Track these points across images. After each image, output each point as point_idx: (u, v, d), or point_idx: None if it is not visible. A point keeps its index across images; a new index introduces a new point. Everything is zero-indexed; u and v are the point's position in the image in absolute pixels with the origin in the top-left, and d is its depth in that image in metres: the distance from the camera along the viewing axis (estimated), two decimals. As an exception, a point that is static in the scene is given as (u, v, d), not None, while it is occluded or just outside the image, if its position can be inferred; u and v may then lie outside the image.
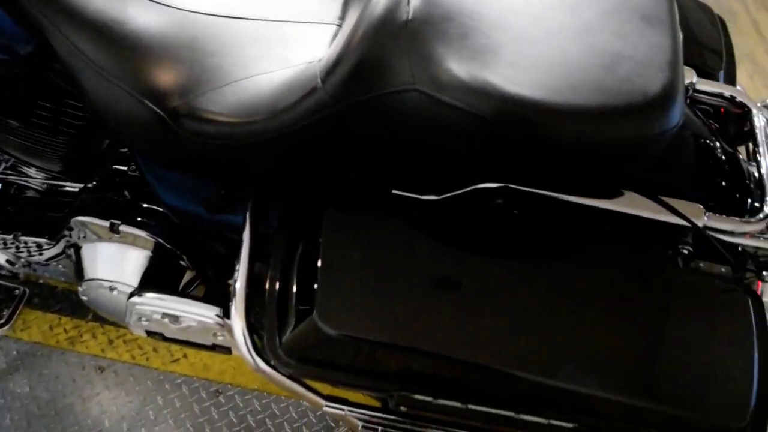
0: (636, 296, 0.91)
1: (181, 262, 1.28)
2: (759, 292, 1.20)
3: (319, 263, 0.90)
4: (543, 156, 0.85)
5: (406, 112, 0.85)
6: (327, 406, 1.03)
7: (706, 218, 0.94)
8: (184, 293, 1.28)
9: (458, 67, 0.80)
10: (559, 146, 0.82)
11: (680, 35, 0.87)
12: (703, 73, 1.18)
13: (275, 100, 0.93)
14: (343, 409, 1.03)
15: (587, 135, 0.80)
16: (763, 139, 1.04)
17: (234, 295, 1.01)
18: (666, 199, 0.94)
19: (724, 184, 1.04)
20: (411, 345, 0.87)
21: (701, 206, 0.94)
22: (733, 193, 1.04)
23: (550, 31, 0.84)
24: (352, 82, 0.86)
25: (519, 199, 0.96)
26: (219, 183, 1.09)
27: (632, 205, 0.94)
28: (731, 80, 1.21)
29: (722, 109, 1.19)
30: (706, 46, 1.21)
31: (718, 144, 1.06)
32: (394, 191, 0.99)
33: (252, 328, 1.00)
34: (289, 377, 1.00)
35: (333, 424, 1.57)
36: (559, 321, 0.89)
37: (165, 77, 0.97)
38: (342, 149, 0.95)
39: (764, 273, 0.99)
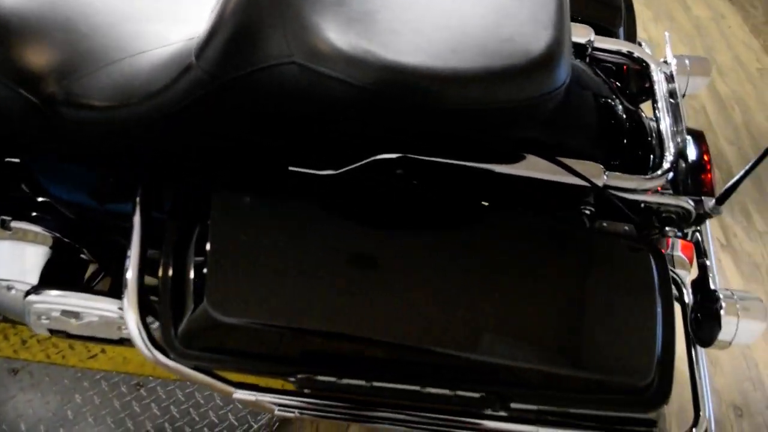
0: (538, 261, 0.90)
1: (82, 256, 1.22)
2: (668, 248, 1.21)
3: (208, 247, 0.86)
4: (429, 123, 0.82)
5: (287, 86, 0.80)
6: (237, 393, 1.00)
7: (605, 177, 0.93)
8: (87, 287, 1.22)
9: (335, 36, 0.76)
10: (444, 112, 0.79)
11: None
12: (603, 31, 1.17)
13: (151, 81, 0.88)
14: (253, 396, 1.00)
15: (470, 99, 0.77)
16: (662, 94, 1.03)
17: (125, 286, 0.95)
18: (565, 160, 0.93)
19: (626, 142, 1.03)
20: (306, 326, 0.83)
21: (601, 165, 0.93)
22: (635, 151, 1.03)
23: None
24: (227, 57, 0.81)
25: (420, 168, 0.93)
26: (106, 171, 1.03)
27: (533, 168, 0.92)
28: (631, 37, 1.21)
29: (624, 67, 1.18)
30: (605, 3, 1.20)
31: (618, 102, 1.05)
32: (291, 168, 0.95)
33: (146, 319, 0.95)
34: (194, 368, 0.96)
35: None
36: (461, 290, 0.86)
37: (37, 62, 0.91)
38: (229, 128, 0.90)
39: (667, 228, 0.99)
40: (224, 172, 0.95)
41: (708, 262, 1.08)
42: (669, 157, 0.97)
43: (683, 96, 1.29)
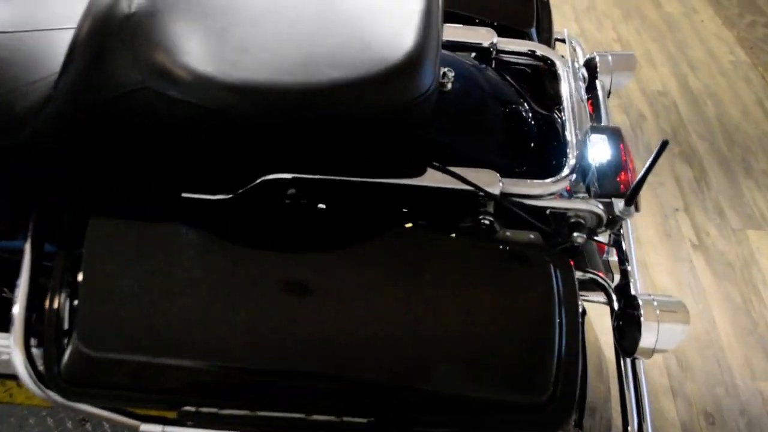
0: (430, 277, 0.85)
1: None
2: (603, 253, 1.16)
3: (80, 278, 0.82)
4: (292, 139, 0.78)
5: (145, 112, 0.77)
6: (143, 426, 0.96)
7: (501, 184, 0.89)
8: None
9: (182, 58, 0.73)
10: (302, 127, 0.75)
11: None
12: (514, 32, 1.13)
13: (19, 115, 0.85)
14: (160, 428, 0.96)
15: (323, 112, 0.73)
16: (567, 93, 0.99)
17: (12, 322, 0.92)
18: (458, 168, 0.89)
19: (532, 146, 0.99)
20: (181, 357, 0.80)
21: (495, 172, 0.89)
22: (543, 155, 0.99)
23: (285, 6, 0.77)
24: (81, 86, 0.78)
25: (312, 187, 0.90)
26: None
27: (424, 178, 0.89)
28: (546, 36, 1.17)
29: (541, 68, 1.14)
30: (515, 4, 1.16)
31: (524, 105, 1.01)
32: (184, 194, 0.92)
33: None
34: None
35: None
36: (347, 310, 0.82)
37: None
38: (99, 155, 0.87)
39: (575, 234, 0.94)
40: (110, 198, 0.92)
41: (629, 267, 1.03)
42: (571, 159, 0.92)
43: (608, 94, 1.25)
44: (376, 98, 0.73)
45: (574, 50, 1.40)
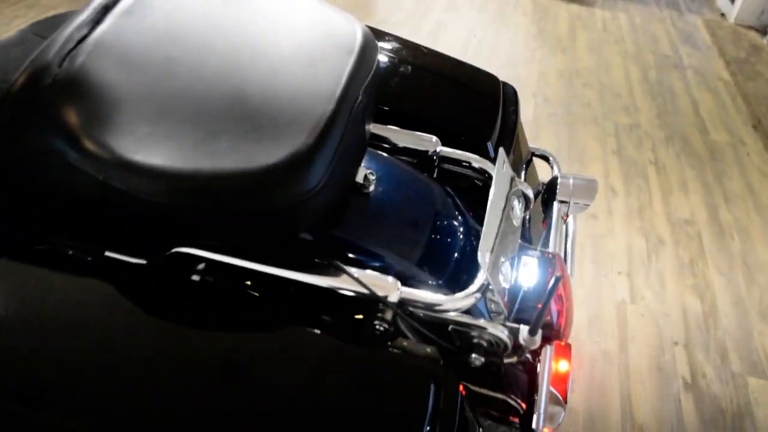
0: (308, 382, 0.84)
1: None
2: (540, 359, 1.12)
3: None
4: (184, 221, 0.81)
5: (50, 176, 0.82)
6: None
7: (399, 292, 0.89)
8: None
9: (87, 132, 0.78)
10: (191, 212, 0.78)
11: (326, 113, 0.82)
12: (472, 144, 1.14)
13: None
14: None
15: (205, 199, 0.76)
16: (492, 208, 0.98)
17: None
18: (358, 271, 0.89)
19: (446, 258, 0.98)
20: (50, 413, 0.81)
21: (394, 280, 0.89)
22: (456, 269, 0.98)
23: (195, 90, 0.82)
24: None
25: (219, 268, 0.92)
26: None
27: (327, 276, 0.89)
28: (506, 149, 1.17)
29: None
30: (477, 117, 1.18)
31: (451, 216, 1.01)
32: (107, 253, 0.96)
33: None
34: None
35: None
36: (211, 393, 0.82)
37: None
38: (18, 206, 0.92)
39: (473, 356, 0.92)
40: (25, 243, 0.96)
41: (537, 397, 0.99)
42: (479, 278, 0.92)
43: (565, 217, 1.23)
44: (254, 196, 0.76)
45: (552, 168, 1.40)
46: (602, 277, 2.24)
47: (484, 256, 0.87)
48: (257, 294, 0.93)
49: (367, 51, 0.91)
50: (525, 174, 1.33)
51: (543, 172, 1.47)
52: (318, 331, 0.89)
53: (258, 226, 0.81)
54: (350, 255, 0.92)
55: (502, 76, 1.35)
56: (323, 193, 0.79)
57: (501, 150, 0.99)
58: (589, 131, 3.04)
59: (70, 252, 0.97)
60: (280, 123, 0.79)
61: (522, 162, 1.33)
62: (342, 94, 0.83)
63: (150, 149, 0.77)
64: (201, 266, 0.94)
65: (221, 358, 0.85)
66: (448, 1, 4.34)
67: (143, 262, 0.95)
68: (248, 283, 0.93)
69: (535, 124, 3.00)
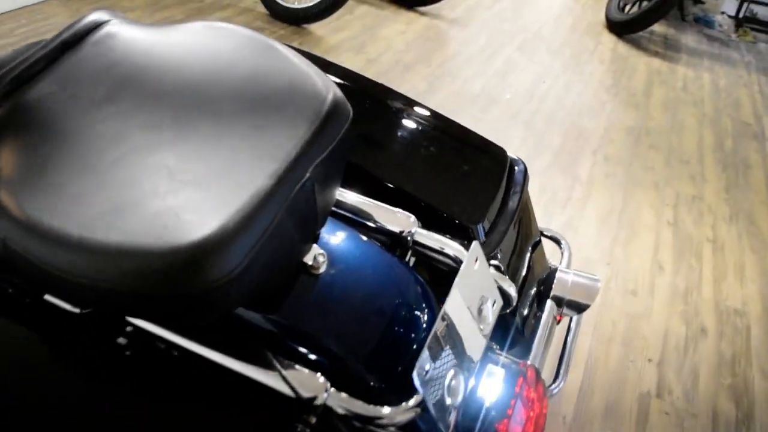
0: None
1: None
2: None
3: None
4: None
5: None
6: None
7: (326, 395, 0.79)
8: None
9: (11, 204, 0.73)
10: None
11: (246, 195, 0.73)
12: (452, 224, 1.04)
13: None
14: None
15: (115, 276, 0.69)
16: (450, 306, 0.87)
17: None
18: (289, 362, 0.80)
19: (392, 361, 0.87)
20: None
21: (322, 380, 0.79)
22: (401, 375, 0.87)
23: (124, 165, 0.75)
24: None
25: (143, 332, 0.86)
26: None
27: (248, 366, 0.81)
28: (501, 233, 1.05)
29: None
30: (471, 195, 1.06)
31: (422, 308, 0.91)
32: (46, 297, 0.91)
33: None
34: None
35: None
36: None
37: None
38: None
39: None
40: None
41: None
42: (419, 392, 0.80)
43: (558, 318, 1.11)
44: (158, 280, 0.68)
45: (562, 254, 1.27)
46: (629, 362, 2.06)
47: (420, 372, 0.77)
48: (176, 369, 0.85)
49: (332, 120, 0.82)
50: (530, 258, 1.21)
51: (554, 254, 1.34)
52: (230, 420, 0.81)
53: (167, 309, 0.73)
54: (284, 341, 0.83)
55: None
56: (247, 276, 0.70)
57: (475, 243, 0.88)
58: (647, 197, 2.85)
59: (10, 290, 0.93)
60: (204, 199, 0.71)
61: (528, 244, 1.21)
62: (283, 174, 0.74)
63: (53, 212, 0.70)
64: (129, 328, 0.87)
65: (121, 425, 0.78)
66: (524, 39, 4.21)
67: (77, 311, 0.89)
68: (173, 354, 0.85)
69: (588, 184, 2.83)
